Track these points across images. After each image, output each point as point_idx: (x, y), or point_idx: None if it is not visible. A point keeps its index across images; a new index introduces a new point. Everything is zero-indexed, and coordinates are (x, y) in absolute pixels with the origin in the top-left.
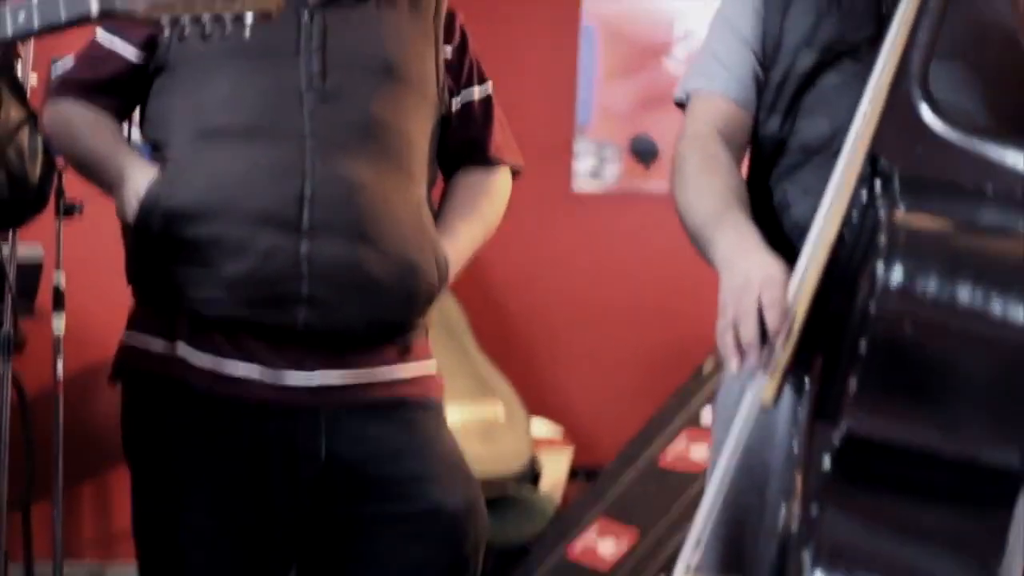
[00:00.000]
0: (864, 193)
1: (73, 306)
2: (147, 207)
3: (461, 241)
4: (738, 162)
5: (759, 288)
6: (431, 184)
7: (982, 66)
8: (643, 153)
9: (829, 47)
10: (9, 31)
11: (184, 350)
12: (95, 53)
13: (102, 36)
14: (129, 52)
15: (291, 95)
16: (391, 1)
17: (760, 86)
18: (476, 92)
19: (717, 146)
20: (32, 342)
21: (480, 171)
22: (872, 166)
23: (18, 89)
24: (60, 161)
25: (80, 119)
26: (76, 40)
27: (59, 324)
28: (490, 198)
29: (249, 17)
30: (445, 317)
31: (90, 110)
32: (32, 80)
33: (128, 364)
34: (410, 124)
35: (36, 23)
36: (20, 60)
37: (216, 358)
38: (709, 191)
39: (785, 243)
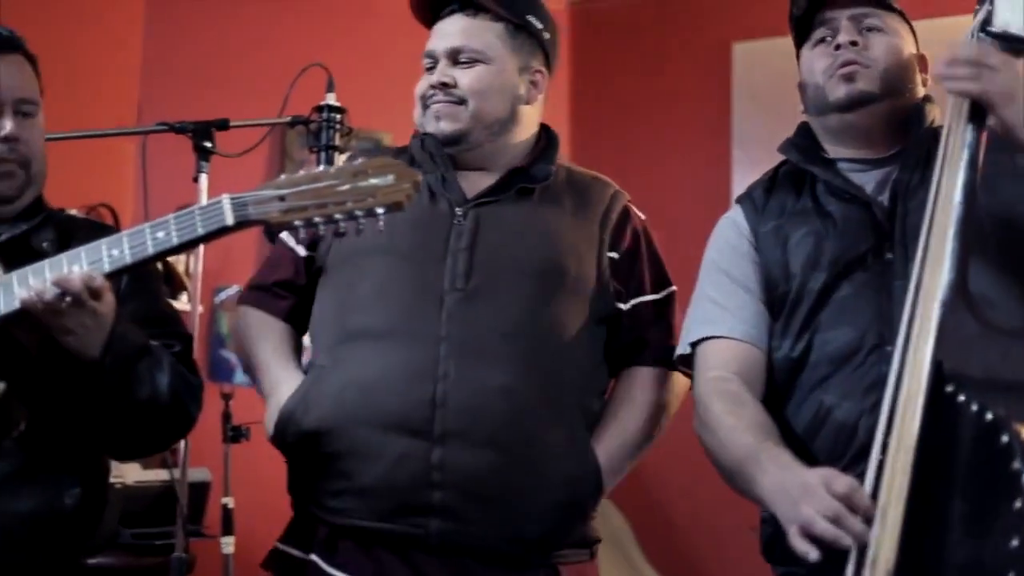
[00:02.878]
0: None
1: (240, 527)
2: (281, 425)
3: (616, 451)
4: (759, 398)
5: (821, 483)
6: (594, 385)
7: (1009, 247)
8: None
9: (836, 263)
10: (150, 249)
11: (317, 561)
12: (276, 253)
13: (284, 235)
14: (300, 250)
15: (432, 296)
16: (554, 200)
17: (765, 321)
18: (650, 296)
19: (738, 386)
20: (201, 562)
21: (648, 373)
22: (937, 370)
23: (155, 319)
24: (226, 388)
25: (253, 327)
26: (239, 270)
27: (228, 543)
28: (655, 403)
29: (381, 211)
30: (609, 529)
31: (263, 315)
32: (200, 310)
33: (271, 568)
34: (561, 326)
35: (175, 239)
36: (186, 292)
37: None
38: (740, 431)
39: (830, 448)
